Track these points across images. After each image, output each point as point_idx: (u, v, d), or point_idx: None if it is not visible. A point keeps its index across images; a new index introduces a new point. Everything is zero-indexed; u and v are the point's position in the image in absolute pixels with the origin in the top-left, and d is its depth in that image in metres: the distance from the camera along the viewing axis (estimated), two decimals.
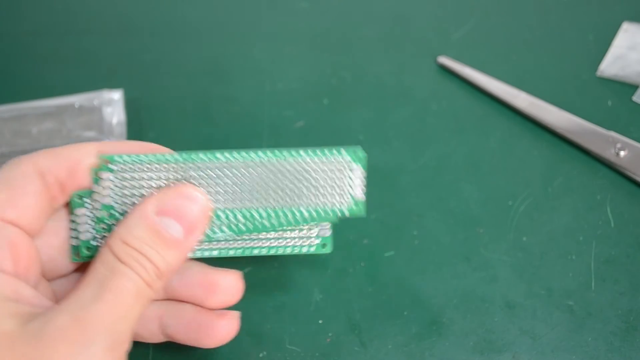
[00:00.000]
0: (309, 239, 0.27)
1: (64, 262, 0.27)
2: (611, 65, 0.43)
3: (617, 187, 0.37)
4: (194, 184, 0.26)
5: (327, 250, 0.28)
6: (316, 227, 0.28)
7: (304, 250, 0.27)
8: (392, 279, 0.34)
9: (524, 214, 0.36)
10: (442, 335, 0.32)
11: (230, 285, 0.28)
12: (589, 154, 0.39)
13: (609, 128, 0.39)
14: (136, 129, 0.41)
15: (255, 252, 0.27)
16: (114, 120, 0.41)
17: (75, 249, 0.27)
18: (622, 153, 0.38)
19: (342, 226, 0.36)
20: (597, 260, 0.34)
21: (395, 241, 0.36)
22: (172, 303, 0.28)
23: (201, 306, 0.28)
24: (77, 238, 0.27)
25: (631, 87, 0.42)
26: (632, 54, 0.43)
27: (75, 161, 0.26)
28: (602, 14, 0.46)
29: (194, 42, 0.47)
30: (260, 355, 0.32)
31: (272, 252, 0.27)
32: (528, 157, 0.39)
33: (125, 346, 0.23)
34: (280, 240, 0.27)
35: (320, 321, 0.33)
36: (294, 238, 0.27)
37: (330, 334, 0.32)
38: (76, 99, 0.42)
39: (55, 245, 0.27)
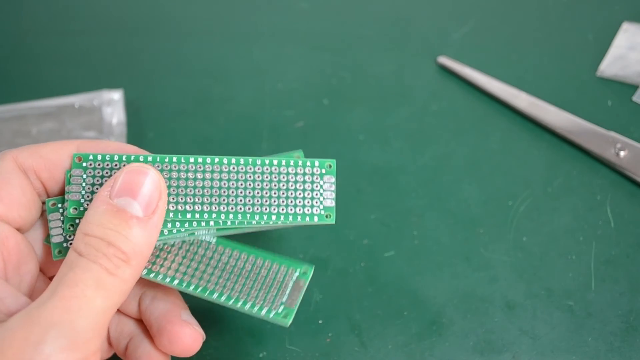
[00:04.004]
0: (313, 207, 0.26)
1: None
2: (611, 65, 0.43)
3: (617, 187, 0.37)
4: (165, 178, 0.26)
5: (331, 220, 0.27)
6: (321, 195, 0.27)
7: (307, 219, 0.26)
8: (392, 279, 0.34)
9: (524, 214, 0.36)
10: (442, 335, 0.32)
11: (187, 345, 0.26)
12: (589, 154, 0.39)
13: (609, 128, 0.39)
14: (136, 129, 0.41)
15: (254, 223, 0.26)
16: (114, 120, 0.41)
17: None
18: (622, 153, 0.38)
19: (342, 226, 0.37)
20: (597, 260, 0.34)
21: (395, 241, 0.36)
22: (151, 288, 0.27)
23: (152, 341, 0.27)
24: (50, 242, 0.26)
25: (631, 87, 0.42)
26: (632, 54, 0.43)
27: (55, 163, 0.26)
28: (602, 14, 0.46)
29: (194, 42, 0.47)
30: (260, 355, 0.32)
31: (272, 223, 0.26)
32: (528, 157, 0.39)
33: (91, 345, 0.21)
34: (282, 208, 0.26)
35: (320, 321, 0.33)
36: (297, 206, 0.26)
37: (330, 334, 0.32)
38: (76, 99, 0.42)
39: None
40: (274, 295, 0.26)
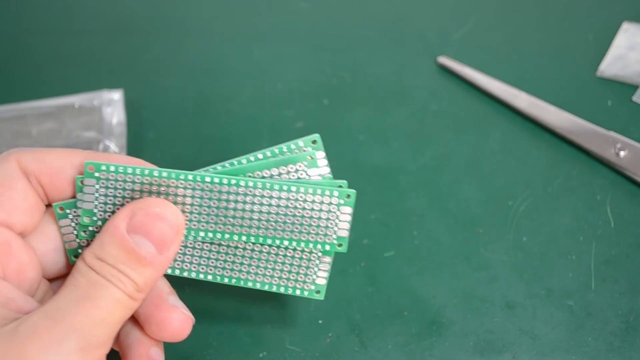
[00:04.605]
0: (305, 285, 0.28)
1: (63, 262, 0.27)
2: (611, 65, 0.43)
3: (617, 187, 0.37)
4: (169, 199, 0.26)
5: (321, 297, 0.28)
6: (314, 272, 0.28)
7: (298, 292, 0.28)
8: (392, 279, 0.34)
9: (524, 214, 0.36)
10: (442, 335, 0.32)
11: (176, 330, 0.26)
12: (589, 154, 0.39)
13: (609, 128, 0.39)
14: (136, 129, 0.41)
15: (250, 284, 0.27)
16: (114, 121, 0.41)
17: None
18: (622, 153, 0.38)
19: None
20: (597, 260, 0.34)
21: (395, 241, 0.36)
22: None
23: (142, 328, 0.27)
24: (66, 247, 0.27)
25: (631, 87, 0.42)
26: (632, 54, 0.43)
27: (57, 171, 0.26)
28: (602, 14, 0.47)
29: (194, 42, 0.47)
30: (260, 355, 0.32)
31: (266, 287, 0.28)
32: (528, 157, 0.39)
33: (102, 351, 0.23)
34: (275, 279, 0.28)
35: (320, 321, 0.33)
36: (289, 279, 0.28)
37: (330, 334, 0.32)
38: (76, 99, 0.42)
39: (51, 247, 0.27)
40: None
